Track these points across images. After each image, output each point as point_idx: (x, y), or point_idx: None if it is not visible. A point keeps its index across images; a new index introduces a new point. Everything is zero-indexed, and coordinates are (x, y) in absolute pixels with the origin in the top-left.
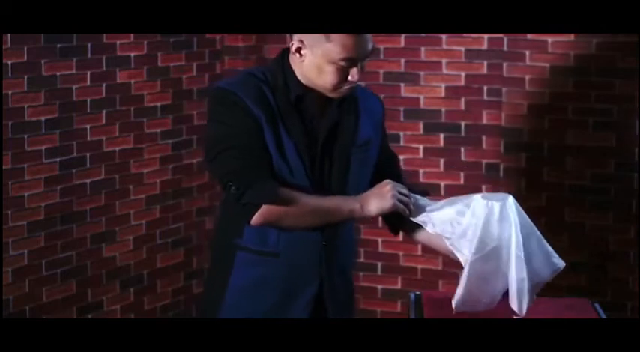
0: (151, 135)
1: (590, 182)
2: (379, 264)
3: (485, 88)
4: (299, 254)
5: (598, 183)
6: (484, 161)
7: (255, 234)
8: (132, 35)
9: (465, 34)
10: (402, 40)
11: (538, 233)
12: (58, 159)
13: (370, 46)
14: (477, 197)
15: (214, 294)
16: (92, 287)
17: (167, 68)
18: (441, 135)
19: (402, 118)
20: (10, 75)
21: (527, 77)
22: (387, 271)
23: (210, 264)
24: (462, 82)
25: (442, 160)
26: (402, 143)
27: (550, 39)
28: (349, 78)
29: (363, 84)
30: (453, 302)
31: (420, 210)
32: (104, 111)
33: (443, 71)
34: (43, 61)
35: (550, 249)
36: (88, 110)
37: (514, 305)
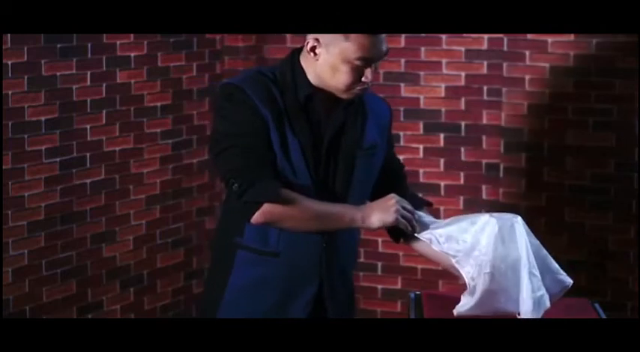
0: (150, 135)
1: (590, 182)
2: (379, 264)
3: (485, 87)
4: (299, 254)
5: (598, 183)
6: (484, 161)
7: (255, 233)
8: (132, 35)
9: (465, 34)
10: (402, 40)
11: (545, 252)
12: (58, 159)
13: (385, 47)
14: (486, 216)
15: (214, 293)
16: (92, 287)
17: (167, 68)
18: (441, 135)
19: (402, 118)
20: (10, 75)
21: (527, 77)
22: (387, 271)
23: (211, 263)
24: (462, 82)
25: (442, 160)
26: (402, 143)
27: (550, 39)
28: (363, 79)
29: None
30: (455, 312)
31: (424, 227)
32: (104, 111)
33: (443, 71)
34: (43, 61)
35: (557, 266)
36: (88, 110)
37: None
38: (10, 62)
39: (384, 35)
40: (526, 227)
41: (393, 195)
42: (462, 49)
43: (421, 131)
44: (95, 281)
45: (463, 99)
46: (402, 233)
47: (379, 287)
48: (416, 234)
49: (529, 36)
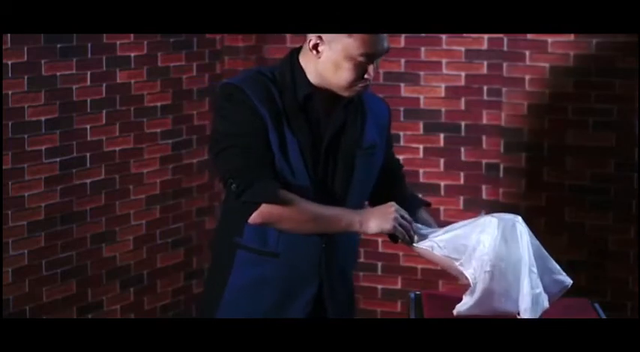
0: (150, 135)
1: (590, 182)
2: (379, 264)
3: (485, 87)
4: (299, 254)
5: (598, 183)
6: (484, 161)
7: (255, 233)
8: (132, 35)
9: (465, 34)
10: (402, 40)
11: (545, 252)
12: (58, 159)
13: (387, 43)
14: (487, 217)
15: (214, 293)
16: (92, 287)
17: (167, 68)
18: (441, 135)
19: (402, 118)
20: (10, 75)
21: (527, 77)
22: (387, 271)
23: (211, 263)
24: (462, 82)
25: (442, 160)
26: (402, 143)
27: (550, 39)
28: (365, 76)
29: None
30: (455, 312)
31: (422, 237)
32: (104, 111)
33: (443, 71)
34: (43, 61)
35: (557, 266)
36: (88, 110)
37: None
38: (10, 62)
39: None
40: (527, 227)
41: (392, 203)
42: (462, 49)
43: (421, 131)
44: (95, 281)
45: (463, 99)
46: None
47: (379, 287)
48: (414, 244)
49: (529, 36)
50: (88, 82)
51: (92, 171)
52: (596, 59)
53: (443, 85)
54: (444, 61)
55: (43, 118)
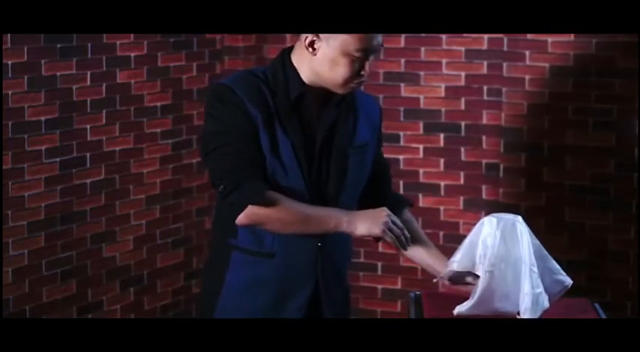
0: (150, 135)
1: (590, 182)
2: (379, 264)
3: (485, 87)
4: (295, 255)
5: (598, 183)
6: (484, 161)
7: (250, 234)
8: (132, 35)
9: (465, 34)
10: (402, 40)
11: (545, 252)
12: (58, 159)
13: (380, 38)
14: (487, 217)
15: (211, 294)
16: (92, 287)
17: (167, 68)
18: (441, 135)
19: (402, 118)
20: (10, 75)
21: (527, 77)
22: (387, 271)
23: (208, 263)
24: (462, 82)
25: (442, 160)
26: (402, 143)
27: (550, 39)
28: (362, 72)
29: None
30: (455, 312)
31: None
32: (104, 111)
33: (443, 71)
34: (43, 61)
35: (557, 266)
36: (88, 110)
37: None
38: (10, 62)
39: None
40: (527, 227)
41: (385, 208)
42: (462, 49)
43: (421, 131)
44: (95, 281)
45: (463, 99)
46: None
47: (379, 287)
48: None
49: (529, 36)
50: (88, 82)
51: (92, 171)
52: (596, 59)
53: (443, 85)
54: (444, 61)
55: (43, 118)
